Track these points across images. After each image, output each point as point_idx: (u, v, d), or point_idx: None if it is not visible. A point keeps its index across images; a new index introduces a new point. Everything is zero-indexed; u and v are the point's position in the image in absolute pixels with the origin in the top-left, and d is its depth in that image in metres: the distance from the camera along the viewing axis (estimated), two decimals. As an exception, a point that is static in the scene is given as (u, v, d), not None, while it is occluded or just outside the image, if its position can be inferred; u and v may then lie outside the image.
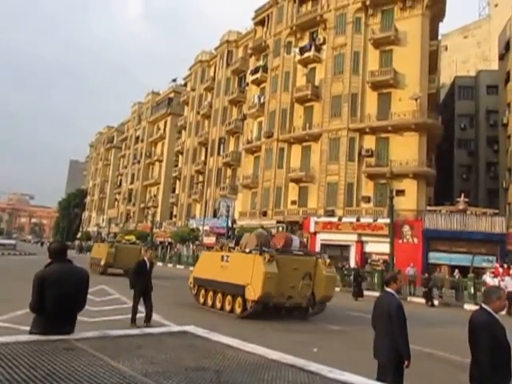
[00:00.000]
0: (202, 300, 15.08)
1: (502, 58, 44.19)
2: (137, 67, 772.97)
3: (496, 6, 53.82)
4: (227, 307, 13.77)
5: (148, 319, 10.40)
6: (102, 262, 25.49)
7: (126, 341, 3.29)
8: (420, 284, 24.25)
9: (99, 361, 2.65)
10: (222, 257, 14.39)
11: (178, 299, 16.31)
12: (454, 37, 59.06)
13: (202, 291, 15.18)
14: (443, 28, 66.28)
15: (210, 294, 14.70)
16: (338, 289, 22.50)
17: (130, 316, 10.44)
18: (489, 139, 45.55)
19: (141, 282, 10.66)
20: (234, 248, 14.85)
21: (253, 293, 12.55)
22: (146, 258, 11.17)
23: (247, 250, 13.65)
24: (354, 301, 21.49)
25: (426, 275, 23.33)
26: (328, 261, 14.18)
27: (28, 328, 3.88)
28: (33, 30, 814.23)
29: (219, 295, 14.29)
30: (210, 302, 14.57)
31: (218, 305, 14.20)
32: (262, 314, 12.94)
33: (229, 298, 13.80)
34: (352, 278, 24.68)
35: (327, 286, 13.34)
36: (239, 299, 13.29)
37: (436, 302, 22.46)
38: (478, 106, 47.78)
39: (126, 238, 32.28)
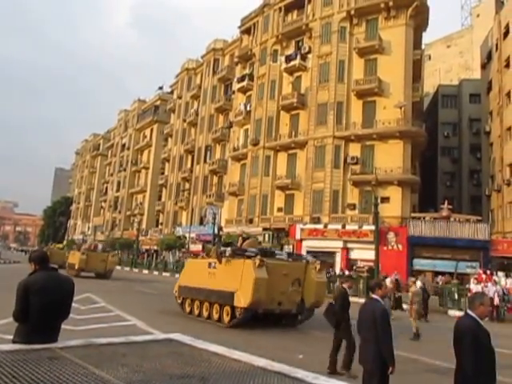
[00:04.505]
0: None
1: (484, 67, 44.99)
2: (124, 75, 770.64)
3: (478, 16, 54.78)
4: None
5: (347, 365, 7.87)
6: None
7: (110, 349, 3.26)
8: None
9: (83, 370, 2.63)
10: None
11: (164, 306, 16.19)
12: (438, 46, 59.93)
13: None
14: (426, 37, 67.30)
15: None
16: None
17: (115, 324, 9.96)
18: (472, 147, 46.15)
19: (347, 317, 8.46)
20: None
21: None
22: (346, 287, 8.99)
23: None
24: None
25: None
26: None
27: (11, 337, 3.83)
28: (19, 37, 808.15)
29: None
30: None
31: None
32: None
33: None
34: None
35: None
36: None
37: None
38: (461, 114, 48.45)
39: (57, 246, 44.44)
